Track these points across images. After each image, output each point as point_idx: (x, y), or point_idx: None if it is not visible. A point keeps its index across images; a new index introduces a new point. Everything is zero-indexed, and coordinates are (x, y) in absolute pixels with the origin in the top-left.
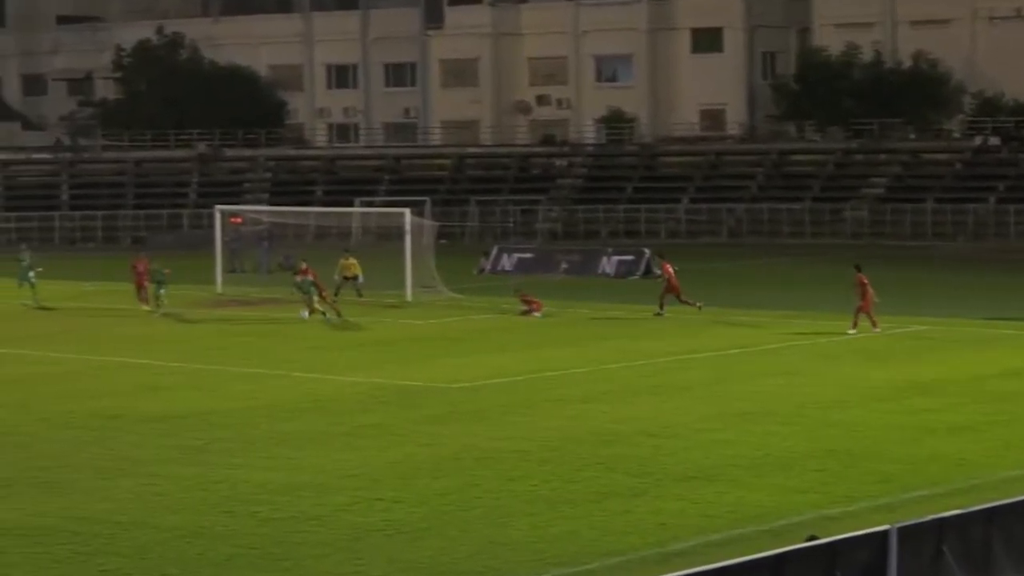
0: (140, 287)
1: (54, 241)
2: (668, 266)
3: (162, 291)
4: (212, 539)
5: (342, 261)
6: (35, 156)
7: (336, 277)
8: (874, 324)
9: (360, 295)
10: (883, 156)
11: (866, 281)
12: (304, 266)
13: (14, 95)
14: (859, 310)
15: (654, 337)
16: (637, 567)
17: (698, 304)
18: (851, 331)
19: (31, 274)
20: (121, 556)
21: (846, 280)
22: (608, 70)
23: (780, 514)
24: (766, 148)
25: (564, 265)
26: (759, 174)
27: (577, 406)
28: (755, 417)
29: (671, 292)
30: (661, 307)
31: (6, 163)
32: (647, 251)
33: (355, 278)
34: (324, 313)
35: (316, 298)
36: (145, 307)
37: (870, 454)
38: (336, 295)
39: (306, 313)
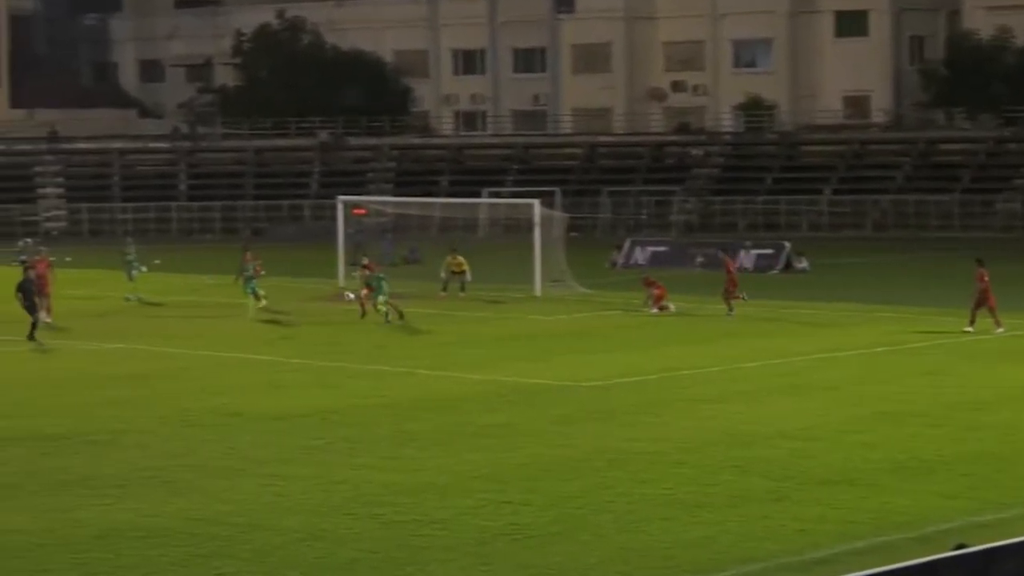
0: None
1: (171, 233)
2: (730, 263)
3: (252, 288)
4: (333, 542)
5: (448, 259)
6: (152, 145)
7: (443, 274)
8: (971, 322)
9: (463, 290)
10: None
11: (987, 278)
12: (366, 261)
13: (131, 81)
14: (987, 307)
15: (793, 335)
16: (776, 575)
17: (743, 295)
18: (999, 330)
19: (143, 268)
20: (239, 559)
21: (969, 275)
22: (747, 55)
23: (926, 520)
24: (913, 136)
25: (700, 259)
26: (906, 164)
27: (712, 406)
28: (899, 418)
29: (731, 287)
30: (730, 308)
31: (122, 152)
32: (787, 244)
33: (462, 273)
34: (364, 313)
35: (381, 296)
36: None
37: (1022, 458)
38: (444, 289)
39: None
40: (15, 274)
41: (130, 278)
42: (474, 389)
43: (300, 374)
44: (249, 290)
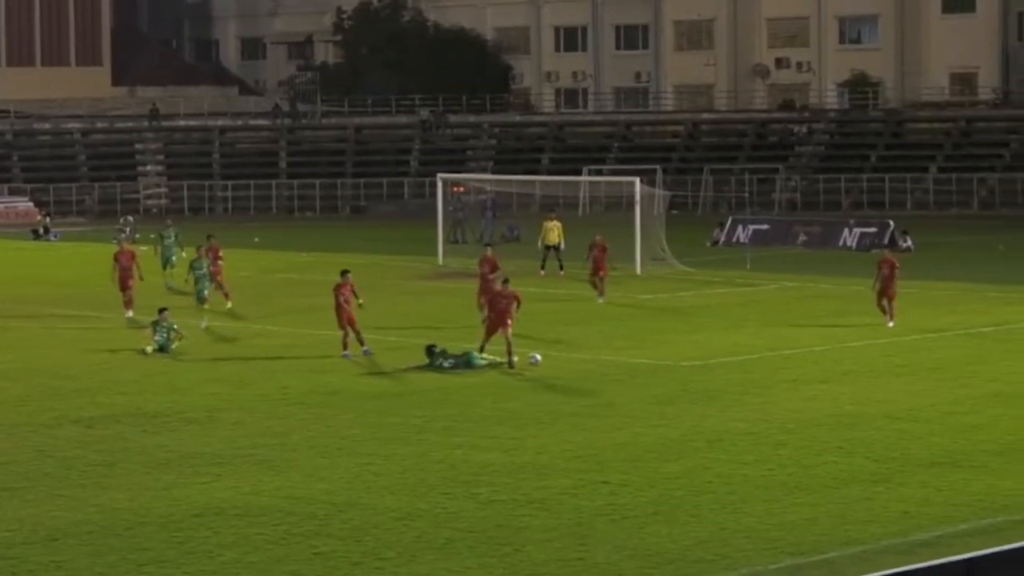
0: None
1: (272, 211)
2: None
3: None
4: (430, 522)
5: (546, 223)
6: (252, 122)
7: (539, 244)
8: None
9: (561, 268)
10: None
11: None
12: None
13: (232, 59)
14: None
15: (898, 315)
16: (878, 557)
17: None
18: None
19: (183, 254)
20: (336, 538)
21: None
22: (852, 31)
23: None
24: (1021, 114)
25: (802, 237)
26: (1013, 141)
27: (815, 387)
28: (1008, 400)
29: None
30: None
31: (223, 129)
32: (891, 223)
33: (556, 247)
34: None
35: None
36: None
37: None
38: (543, 268)
39: (204, 323)
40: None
41: (169, 264)
42: (574, 368)
43: (399, 352)
44: (198, 293)
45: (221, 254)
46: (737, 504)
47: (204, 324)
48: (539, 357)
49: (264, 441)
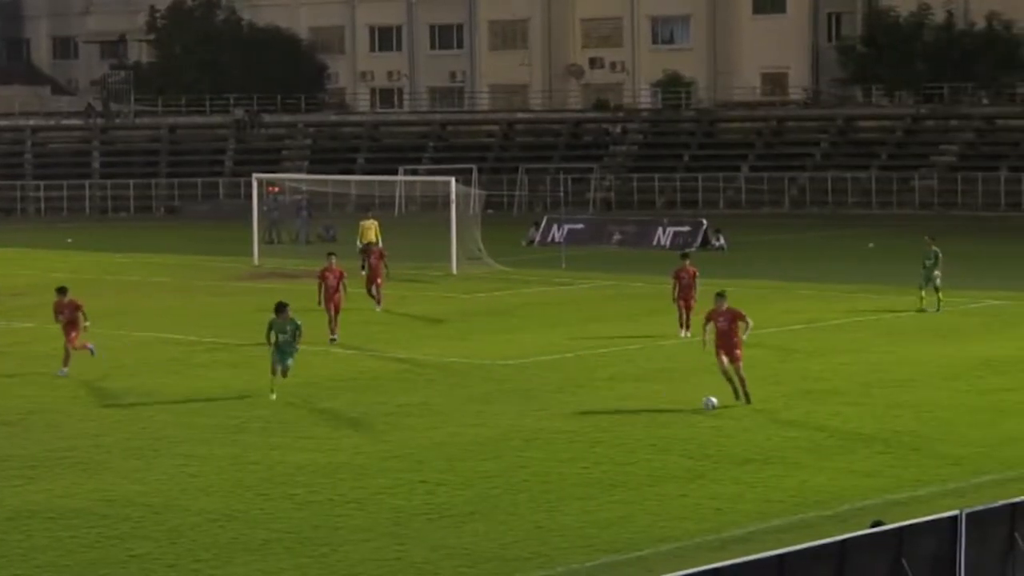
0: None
1: (85, 211)
2: None
3: None
4: (247, 523)
5: (363, 223)
6: (65, 122)
7: (358, 244)
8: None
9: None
10: (955, 122)
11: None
12: None
13: (44, 58)
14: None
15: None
16: (692, 554)
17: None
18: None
19: None
20: (152, 540)
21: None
22: (665, 32)
23: (844, 499)
24: (831, 114)
25: (617, 236)
26: (823, 141)
27: (631, 385)
28: (819, 397)
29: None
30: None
31: (35, 129)
32: (704, 222)
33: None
34: None
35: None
36: None
37: (940, 436)
38: (363, 269)
39: None
40: None
41: None
42: (391, 368)
43: (215, 353)
44: None
45: None
46: (553, 502)
47: None
48: (715, 401)
49: (79, 443)
